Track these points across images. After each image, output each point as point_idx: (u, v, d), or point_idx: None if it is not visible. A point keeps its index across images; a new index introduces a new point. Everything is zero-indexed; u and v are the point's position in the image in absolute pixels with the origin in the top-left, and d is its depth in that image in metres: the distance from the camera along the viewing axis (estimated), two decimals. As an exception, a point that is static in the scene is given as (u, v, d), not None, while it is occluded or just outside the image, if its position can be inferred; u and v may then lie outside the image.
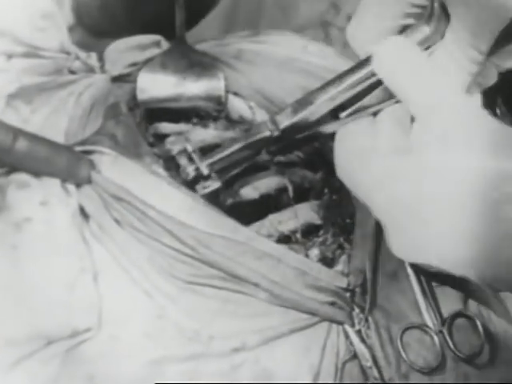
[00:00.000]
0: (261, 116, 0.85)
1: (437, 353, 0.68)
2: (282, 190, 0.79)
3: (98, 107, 0.77)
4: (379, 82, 0.66)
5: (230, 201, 0.75)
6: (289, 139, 0.71)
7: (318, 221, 0.77)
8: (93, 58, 0.84)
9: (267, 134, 0.71)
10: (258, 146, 0.72)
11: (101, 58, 0.84)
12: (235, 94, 0.86)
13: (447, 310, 0.71)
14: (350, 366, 0.67)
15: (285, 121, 0.70)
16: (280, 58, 0.88)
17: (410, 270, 0.72)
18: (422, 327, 0.69)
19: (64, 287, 0.66)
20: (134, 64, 0.84)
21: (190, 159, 0.72)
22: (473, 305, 0.74)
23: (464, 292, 0.73)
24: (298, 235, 0.76)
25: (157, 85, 0.83)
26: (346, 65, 0.87)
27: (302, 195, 0.80)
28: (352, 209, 0.77)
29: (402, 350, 0.68)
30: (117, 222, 0.69)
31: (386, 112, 0.65)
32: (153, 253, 0.67)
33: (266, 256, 0.67)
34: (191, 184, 0.72)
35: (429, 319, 0.70)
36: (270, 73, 0.86)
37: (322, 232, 0.77)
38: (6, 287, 0.66)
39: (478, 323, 0.70)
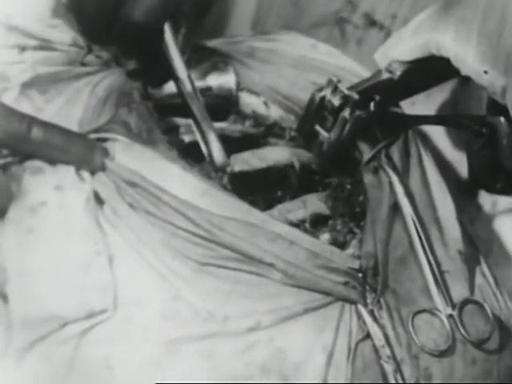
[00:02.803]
0: (275, 112, 0.87)
1: (447, 336, 0.69)
2: (289, 167, 0.81)
3: (112, 97, 0.78)
4: None
5: (237, 167, 0.77)
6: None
7: (326, 211, 0.78)
8: (105, 52, 0.84)
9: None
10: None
11: (114, 53, 0.85)
12: (249, 90, 0.88)
13: (455, 294, 0.72)
14: (363, 346, 0.67)
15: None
16: (292, 56, 0.90)
17: (422, 257, 0.73)
18: (432, 311, 0.70)
19: (79, 270, 0.67)
20: None
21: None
22: (478, 291, 0.75)
23: None
24: (307, 225, 0.77)
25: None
26: (353, 63, 0.90)
27: (307, 177, 0.81)
28: (363, 198, 0.78)
29: (413, 333, 0.68)
30: (131, 206, 0.70)
31: None
32: (167, 236, 0.68)
33: (279, 238, 0.68)
34: None
35: (440, 303, 0.71)
36: (283, 70, 0.88)
37: (330, 222, 0.78)
38: (22, 270, 0.67)
39: (488, 309, 0.71)
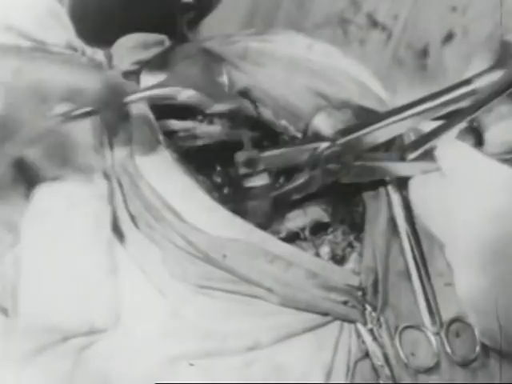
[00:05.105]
0: (267, 116, 0.86)
1: (433, 354, 0.69)
2: None
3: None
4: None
5: None
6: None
7: (326, 218, 0.78)
8: (99, 54, 0.84)
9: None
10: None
11: (107, 54, 0.84)
12: (240, 93, 0.87)
13: (446, 312, 0.72)
14: (362, 365, 0.67)
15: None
16: (286, 57, 0.88)
17: (413, 269, 0.73)
18: (419, 328, 0.70)
19: (83, 283, 0.66)
20: (139, 62, 0.84)
21: None
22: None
23: None
24: (307, 232, 0.76)
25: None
26: (351, 65, 0.88)
27: None
28: (362, 208, 0.78)
29: (400, 349, 0.68)
30: (132, 218, 0.69)
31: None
32: (166, 254, 0.68)
33: (277, 259, 0.68)
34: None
35: (427, 320, 0.71)
36: (275, 73, 0.86)
37: (330, 230, 0.77)
38: (27, 279, 0.66)
39: (476, 330, 0.71)
